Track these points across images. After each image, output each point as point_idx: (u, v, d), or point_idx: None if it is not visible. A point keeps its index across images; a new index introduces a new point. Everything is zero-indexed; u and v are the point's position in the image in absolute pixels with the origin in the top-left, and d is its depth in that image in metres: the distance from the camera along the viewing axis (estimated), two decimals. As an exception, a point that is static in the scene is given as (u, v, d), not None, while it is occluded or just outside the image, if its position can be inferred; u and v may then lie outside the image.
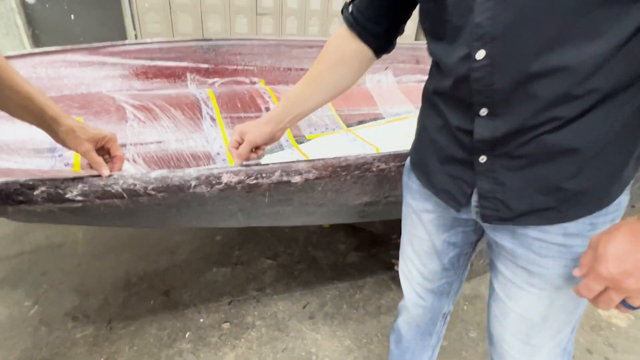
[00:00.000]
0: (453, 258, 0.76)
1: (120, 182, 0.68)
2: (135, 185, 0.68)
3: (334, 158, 0.79)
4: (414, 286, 0.82)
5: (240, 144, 0.75)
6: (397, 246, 1.71)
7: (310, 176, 0.77)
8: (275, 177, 0.75)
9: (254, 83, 2.03)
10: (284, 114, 0.73)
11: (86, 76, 1.71)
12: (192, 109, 1.75)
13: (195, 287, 1.45)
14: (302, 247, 1.71)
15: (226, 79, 1.96)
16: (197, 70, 1.90)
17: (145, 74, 1.79)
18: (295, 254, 1.67)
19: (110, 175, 0.69)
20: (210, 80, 1.93)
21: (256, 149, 0.76)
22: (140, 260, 1.56)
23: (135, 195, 0.69)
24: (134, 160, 1.52)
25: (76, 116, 1.55)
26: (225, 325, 1.30)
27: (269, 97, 1.93)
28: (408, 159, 0.77)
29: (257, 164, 0.77)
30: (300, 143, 1.80)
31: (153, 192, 0.69)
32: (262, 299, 1.42)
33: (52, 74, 1.65)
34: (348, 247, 1.74)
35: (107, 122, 1.57)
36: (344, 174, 0.80)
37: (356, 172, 0.81)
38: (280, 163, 0.76)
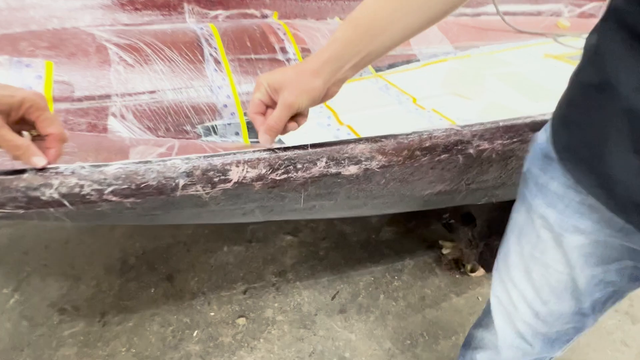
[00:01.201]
0: (598, 300, 0.48)
1: (55, 183, 0.39)
2: (81, 188, 0.40)
3: (411, 135, 0.48)
4: (518, 325, 0.56)
5: (268, 107, 0.45)
6: (447, 225, 1.44)
7: (373, 165, 0.47)
8: (318, 169, 0.45)
9: (266, 16, 1.63)
10: (348, 55, 0.40)
11: (58, 7, 1.34)
12: (191, 49, 1.39)
13: (204, 270, 1.22)
14: (327, 219, 1.45)
15: (232, 11, 1.57)
16: (197, 0, 1.52)
17: (133, 3, 1.42)
18: (320, 228, 1.42)
19: (42, 170, 0.40)
20: (212, 13, 1.54)
21: (295, 115, 0.44)
22: (138, 236, 1.32)
23: (85, 203, 0.41)
24: (122, 116, 1.21)
25: (45, 59, 1.22)
26: (241, 321, 1.09)
27: (284, 33, 1.54)
28: (541, 137, 0.46)
29: (281, 144, 0.47)
30: (323, 92, 1.44)
31: (114, 198, 0.41)
32: (282, 287, 1.19)
33: (14, 4, 1.30)
34: (381, 220, 1.47)
35: (85, 66, 1.24)
36: (424, 158, 0.50)
37: (444, 155, 0.51)
38: (326, 145, 0.45)
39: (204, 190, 0.43)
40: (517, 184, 0.65)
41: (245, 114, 1.29)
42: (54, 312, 1.07)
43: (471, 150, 0.51)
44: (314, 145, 0.45)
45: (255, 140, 1.21)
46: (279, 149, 0.45)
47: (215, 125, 1.23)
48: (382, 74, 1.60)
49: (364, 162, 0.46)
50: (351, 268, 1.27)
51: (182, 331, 1.05)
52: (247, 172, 0.43)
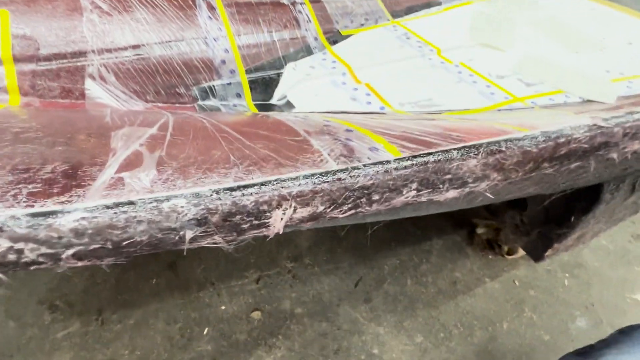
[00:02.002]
0: None
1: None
2: (20, 254, 0.23)
3: (543, 139, 0.31)
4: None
5: None
6: (487, 205, 1.27)
7: (482, 186, 0.31)
8: (403, 199, 0.28)
9: (266, -52, 1.34)
10: None
11: (8, -64, 1.06)
12: (180, -7, 1.12)
13: (211, 256, 1.09)
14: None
15: (226, -59, 1.27)
16: None
17: None
18: (336, 203, 1.27)
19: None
20: (202, -57, 1.24)
21: None
22: (134, 216, 1.17)
23: (30, 269, 0.25)
24: (102, 78, 1.00)
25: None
26: (256, 315, 0.97)
27: (287, -28, 1.28)
28: None
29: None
30: (334, 43, 1.23)
31: (80, 263, 0.25)
32: (299, 274, 1.07)
33: None
34: (403, 192, 1.32)
35: (49, 16, 1.01)
36: (550, 170, 0.33)
37: (575, 164, 0.34)
38: (420, 159, 0.29)
39: (226, 240, 0.27)
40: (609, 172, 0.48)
41: (247, 71, 1.08)
42: (44, 309, 0.95)
43: (615, 155, 0.35)
44: (397, 164, 0.28)
45: (260, 103, 1.02)
46: (343, 171, 0.28)
47: (213, 86, 1.03)
48: (399, 20, 1.36)
49: (470, 185, 0.30)
50: (374, 250, 1.14)
51: (191, 328, 0.94)
52: (294, 211, 0.27)
